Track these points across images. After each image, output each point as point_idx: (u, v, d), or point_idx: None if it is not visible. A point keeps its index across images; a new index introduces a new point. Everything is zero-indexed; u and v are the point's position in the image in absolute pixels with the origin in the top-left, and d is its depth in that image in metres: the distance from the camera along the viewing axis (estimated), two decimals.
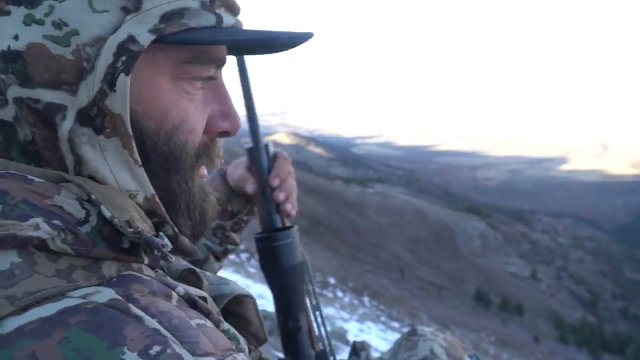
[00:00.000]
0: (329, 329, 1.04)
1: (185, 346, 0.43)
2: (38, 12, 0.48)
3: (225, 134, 0.62)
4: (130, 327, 0.42)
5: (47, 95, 0.49)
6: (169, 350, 0.41)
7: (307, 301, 1.00)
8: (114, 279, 0.47)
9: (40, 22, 0.48)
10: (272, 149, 0.97)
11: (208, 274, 0.74)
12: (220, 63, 0.59)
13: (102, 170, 0.51)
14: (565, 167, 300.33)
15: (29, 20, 0.48)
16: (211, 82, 0.60)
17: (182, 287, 0.51)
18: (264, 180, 0.95)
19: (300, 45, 0.60)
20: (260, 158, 0.95)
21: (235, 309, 0.72)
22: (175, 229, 0.56)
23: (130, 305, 0.44)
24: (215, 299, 0.68)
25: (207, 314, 0.51)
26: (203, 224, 0.62)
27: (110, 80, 0.49)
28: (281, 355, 0.97)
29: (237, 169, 1.02)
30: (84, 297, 0.43)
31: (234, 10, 0.58)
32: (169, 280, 0.52)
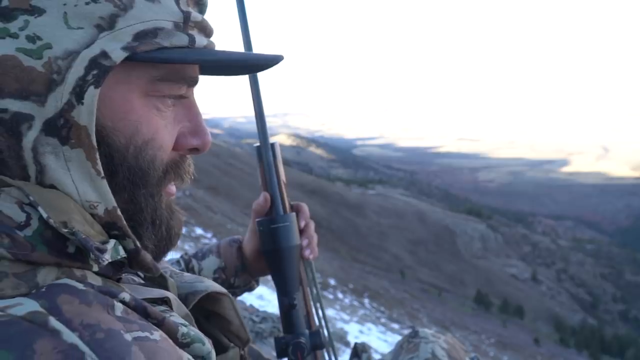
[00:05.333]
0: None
1: None
2: (13, 26, 0.50)
3: (195, 150, 0.63)
4: (42, 341, 0.40)
5: (15, 105, 0.50)
6: None
7: (308, 291, 1.03)
8: (42, 290, 0.45)
9: (15, 36, 0.50)
10: (278, 149, 1.04)
11: (186, 273, 0.76)
12: (192, 82, 0.61)
13: (63, 180, 0.52)
14: (566, 169, 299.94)
15: (3, 34, 0.50)
16: (182, 100, 0.61)
17: (127, 294, 0.50)
18: (269, 173, 1.02)
19: (271, 68, 0.62)
20: (267, 155, 1.01)
21: (214, 308, 0.75)
22: (137, 243, 0.56)
23: (51, 317, 0.42)
24: (187, 296, 0.70)
25: (159, 322, 0.51)
26: (169, 239, 0.63)
27: (78, 93, 0.50)
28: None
29: (250, 242, 1.07)
30: (2, 309, 0.42)
31: (207, 32, 0.60)
32: (112, 288, 0.51)
